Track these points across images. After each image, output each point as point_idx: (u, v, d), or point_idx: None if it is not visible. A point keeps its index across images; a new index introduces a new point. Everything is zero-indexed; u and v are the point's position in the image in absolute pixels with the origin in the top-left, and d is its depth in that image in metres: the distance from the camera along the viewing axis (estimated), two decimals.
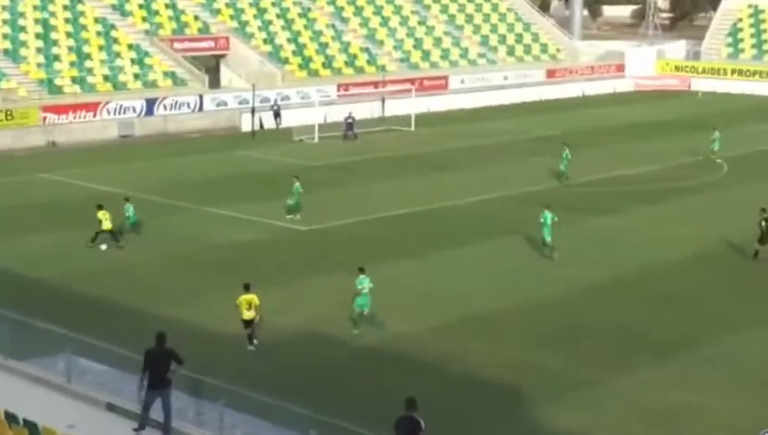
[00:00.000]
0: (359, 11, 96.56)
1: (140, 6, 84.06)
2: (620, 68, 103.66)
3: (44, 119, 67.70)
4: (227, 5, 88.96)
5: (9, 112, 66.49)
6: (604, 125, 74.96)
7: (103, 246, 40.95)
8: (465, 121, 76.51)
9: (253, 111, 72.57)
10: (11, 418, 21.83)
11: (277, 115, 74.15)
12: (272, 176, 55.49)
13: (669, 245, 42.04)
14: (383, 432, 21.15)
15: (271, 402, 23.83)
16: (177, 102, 73.71)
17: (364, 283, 32.38)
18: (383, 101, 79.16)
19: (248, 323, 30.55)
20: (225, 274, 37.74)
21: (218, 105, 75.91)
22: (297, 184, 46.74)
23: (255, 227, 44.74)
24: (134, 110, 71.51)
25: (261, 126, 72.87)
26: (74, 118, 68.89)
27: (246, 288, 30.63)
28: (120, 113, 70.76)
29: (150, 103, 72.33)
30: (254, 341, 30.64)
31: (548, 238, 40.21)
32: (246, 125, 72.44)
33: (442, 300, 34.98)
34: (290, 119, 73.08)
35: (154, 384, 23.87)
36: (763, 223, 39.47)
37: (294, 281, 36.86)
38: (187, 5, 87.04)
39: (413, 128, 72.67)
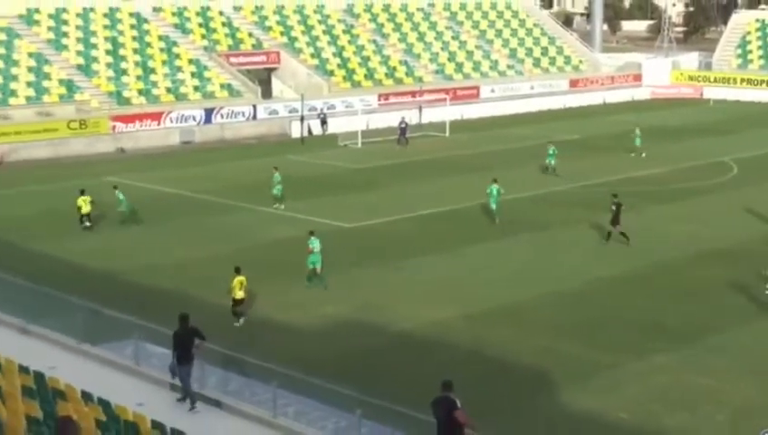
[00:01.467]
0: (398, 27, 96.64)
1: (200, 25, 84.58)
2: (638, 78, 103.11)
3: (114, 127, 68.26)
4: (278, 23, 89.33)
5: (82, 122, 67.13)
6: (623, 130, 74.49)
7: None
8: (496, 127, 76.43)
9: (302, 119, 72.83)
10: (87, 396, 22.12)
11: (324, 123, 74.38)
12: (320, 178, 55.70)
13: (683, 241, 41.79)
14: (422, 411, 21.28)
15: (319, 384, 24.03)
16: (233, 112, 74.09)
17: (315, 243, 35.30)
18: (420, 109, 79.19)
19: (238, 302, 31.56)
20: (276, 268, 37.98)
21: (270, 114, 76.23)
22: (276, 174, 48.34)
23: (304, 224, 44.84)
24: (194, 118, 71.96)
25: (309, 132, 73.15)
26: (140, 126, 69.43)
27: (237, 271, 31.63)
28: (181, 122, 71.23)
29: (209, 113, 72.74)
30: (241, 320, 31.47)
31: (493, 207, 44.96)
32: (296, 132, 72.72)
33: (473, 291, 35.02)
34: (335, 126, 73.35)
35: (182, 360, 24.71)
36: (614, 207, 41.04)
37: (339, 273, 36.95)
38: (242, 23, 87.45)
39: (447, 134, 72.69)
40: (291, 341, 29.99)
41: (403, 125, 69.30)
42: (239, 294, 31.51)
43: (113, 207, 44.73)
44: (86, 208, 43.26)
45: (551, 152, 57.44)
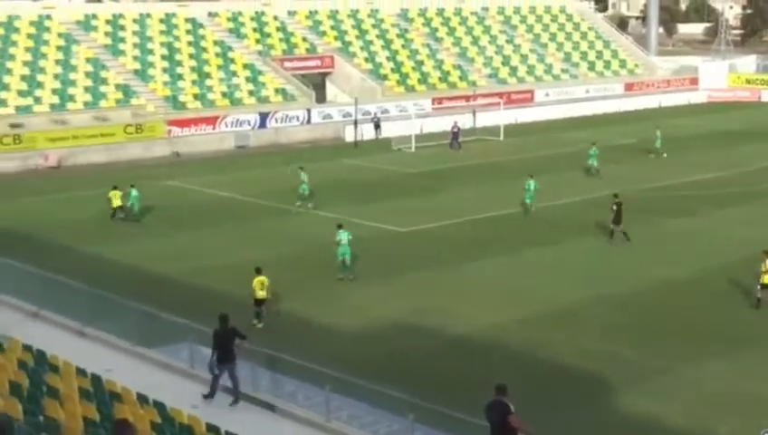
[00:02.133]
0: (451, 31, 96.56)
1: (254, 30, 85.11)
2: (694, 81, 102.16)
3: (169, 132, 68.82)
4: (332, 27, 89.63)
5: (138, 126, 67.76)
6: (680, 134, 73.87)
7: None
8: (550, 131, 76.02)
9: (355, 123, 72.97)
10: (142, 399, 22.28)
11: (377, 127, 74.46)
12: (373, 182, 55.77)
13: (743, 245, 41.18)
14: (476, 415, 21.18)
15: (372, 388, 23.99)
16: (287, 116, 74.40)
17: (342, 236, 36.62)
18: (474, 113, 79.01)
19: (259, 302, 31.72)
20: (330, 270, 38.04)
21: (324, 118, 76.43)
22: (303, 174, 49.58)
23: (358, 227, 44.85)
24: (249, 123, 72.35)
25: (363, 137, 73.25)
26: (196, 131, 69.93)
27: (258, 271, 31.84)
28: (236, 126, 71.65)
29: (263, 117, 73.09)
30: (262, 319, 31.65)
31: (528, 201, 47.23)
32: (350, 136, 72.88)
33: (526, 294, 34.86)
34: (389, 130, 73.40)
35: (222, 359, 25.04)
36: (615, 206, 41.72)
37: (392, 276, 37.00)
38: (296, 28, 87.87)
39: (502, 138, 72.46)
40: (345, 344, 30.01)
41: (456, 129, 69.23)
42: (260, 295, 31.65)
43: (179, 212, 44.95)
44: (116, 202, 46.31)
45: (592, 153, 57.77)
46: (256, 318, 31.70)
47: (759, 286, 32.99)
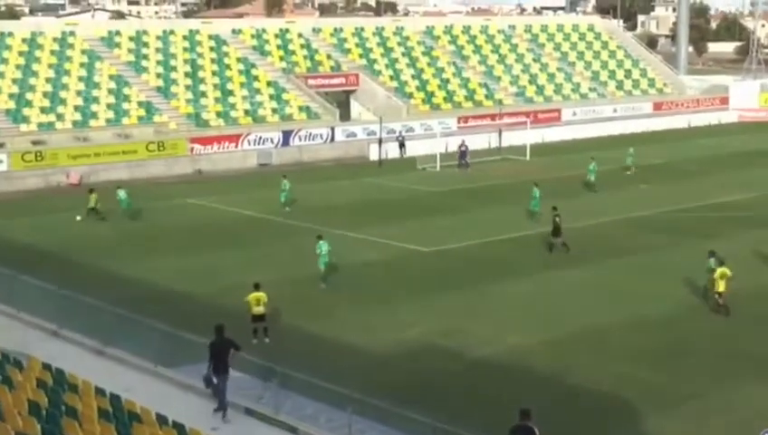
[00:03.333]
0: (478, 49, 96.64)
1: (278, 47, 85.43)
2: (724, 101, 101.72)
3: (192, 149, 69.09)
4: (357, 45, 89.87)
5: (161, 144, 68.06)
6: (710, 154, 73.64)
7: (78, 217, 50.06)
8: (577, 151, 75.74)
9: (380, 142, 73.03)
10: (161, 419, 22.27)
11: (402, 145, 74.48)
12: (397, 201, 55.74)
13: None
14: None
15: (395, 410, 23.93)
16: (310, 134, 74.54)
17: (323, 247, 38.27)
18: (500, 132, 78.92)
19: (257, 319, 31.82)
20: (354, 290, 38.09)
21: (348, 136, 76.53)
22: (285, 181, 53.40)
23: (382, 248, 44.94)
24: (272, 141, 72.53)
25: (387, 156, 73.25)
26: (218, 148, 70.17)
27: (256, 287, 32.06)
28: (259, 144, 71.84)
29: (287, 135, 73.27)
30: (266, 337, 31.79)
31: (536, 209, 49.50)
32: (374, 155, 72.92)
33: (552, 316, 34.73)
34: (414, 149, 73.38)
35: (218, 369, 25.57)
36: (556, 218, 43.13)
37: (416, 298, 36.93)
38: (321, 45, 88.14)
39: (528, 157, 72.34)
40: (368, 365, 29.95)
41: (463, 148, 69.12)
42: (256, 311, 31.75)
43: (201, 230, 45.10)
44: (92, 204, 50.29)
45: (591, 168, 58.83)
46: (254, 335, 31.72)
47: (713, 294, 34.63)
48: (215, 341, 26.07)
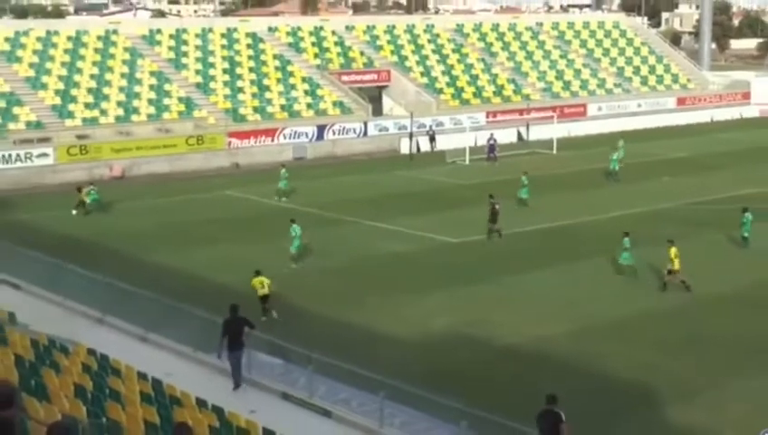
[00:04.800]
0: (506, 46, 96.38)
1: (313, 44, 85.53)
2: (746, 96, 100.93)
3: (229, 143, 69.35)
4: (389, 42, 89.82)
5: (200, 138, 68.37)
6: (732, 148, 73.20)
7: (74, 211, 50.48)
8: (603, 145, 75.38)
9: (411, 136, 73.02)
10: (201, 403, 22.47)
11: (432, 139, 74.45)
12: (427, 194, 55.78)
13: None
14: (527, 424, 21.15)
15: (426, 396, 24.05)
16: (344, 128, 74.61)
17: (296, 230, 39.71)
18: (527, 126, 78.79)
19: (264, 299, 33.08)
20: (385, 281, 38.20)
21: (380, 131, 76.52)
22: (283, 170, 54.34)
23: (413, 239, 45.02)
24: (307, 135, 72.67)
25: (418, 149, 73.30)
26: (255, 142, 70.40)
27: (257, 273, 33.57)
28: (294, 138, 71.99)
29: (321, 129, 73.37)
30: (273, 313, 32.92)
31: (524, 197, 51.36)
32: (405, 148, 72.93)
33: (576, 306, 34.72)
34: (443, 143, 73.31)
35: (232, 346, 26.28)
36: (496, 206, 44.58)
37: (445, 287, 37.00)
38: (354, 42, 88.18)
39: (555, 151, 72.13)
40: (399, 352, 30.08)
41: (492, 141, 69.03)
42: (261, 292, 33.12)
43: (239, 221, 45.34)
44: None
45: (614, 157, 59.64)
46: (264, 313, 32.74)
47: (666, 271, 36.36)
48: (229, 319, 26.92)
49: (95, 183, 53.93)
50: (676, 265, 36.05)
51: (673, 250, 36.24)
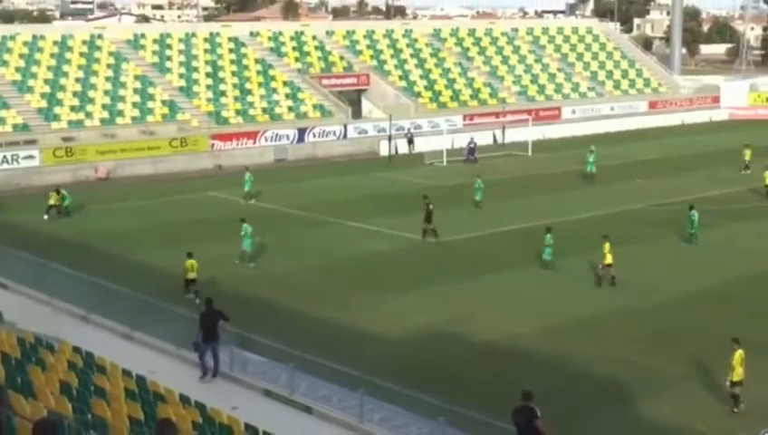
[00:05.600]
0: (482, 51, 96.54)
1: (294, 48, 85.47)
2: (716, 99, 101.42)
3: (212, 145, 69.23)
4: (368, 47, 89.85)
5: (183, 140, 68.23)
6: (702, 150, 73.55)
7: (45, 217, 49.28)
8: (577, 147, 75.54)
9: (390, 139, 73.05)
10: (184, 399, 22.42)
11: (411, 142, 74.48)
12: (405, 194, 55.74)
13: (761, 257, 41.08)
14: (503, 419, 21.18)
15: (404, 392, 24.06)
16: (324, 131, 74.58)
17: (247, 229, 40.00)
18: (503, 129, 78.93)
19: (190, 282, 35.15)
20: (365, 280, 38.20)
21: (360, 133, 76.55)
22: (248, 174, 54.30)
23: (391, 239, 45.03)
24: (288, 137, 72.61)
25: (396, 151, 73.31)
26: (237, 144, 70.30)
27: (189, 256, 35.38)
28: (275, 141, 71.93)
29: (302, 132, 73.33)
30: (197, 297, 33.98)
31: (477, 198, 51.36)
32: (384, 150, 72.95)
33: (552, 304, 34.80)
34: (422, 145, 73.36)
35: (207, 338, 26.92)
36: (429, 206, 44.49)
37: (423, 286, 37.04)
38: (334, 47, 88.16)
39: (530, 153, 72.30)
40: (378, 350, 30.07)
41: (472, 144, 69.18)
42: (190, 275, 35.17)
43: (221, 221, 45.30)
44: (51, 201, 50.04)
45: (591, 160, 60.01)
46: (191, 293, 34.87)
47: (600, 266, 37.04)
48: (204, 311, 27.52)
49: (65, 186, 52.96)
50: (609, 260, 36.69)
51: (606, 245, 36.84)
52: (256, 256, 40.76)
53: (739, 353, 25.48)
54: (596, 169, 59.70)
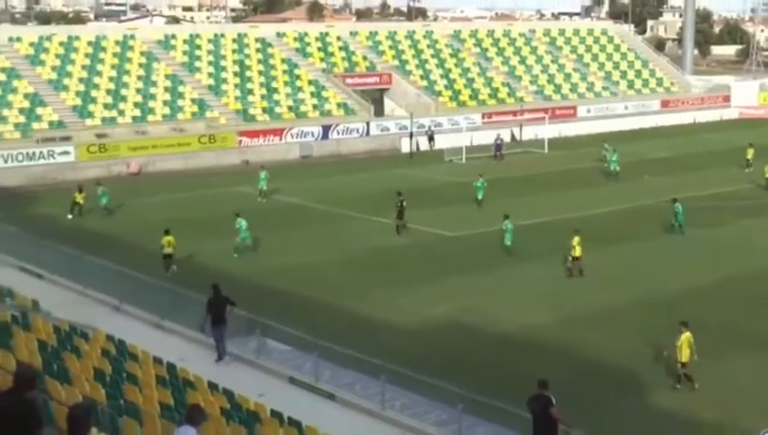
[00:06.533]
0: (501, 51, 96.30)
1: (319, 49, 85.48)
2: (727, 99, 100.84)
3: (240, 142, 69.36)
4: (390, 47, 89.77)
5: (212, 137, 68.37)
6: (712, 148, 73.16)
7: (69, 216, 48.44)
8: (591, 145, 75.39)
9: (411, 136, 73.00)
10: (213, 386, 22.51)
11: (431, 139, 74.40)
12: (425, 190, 55.72)
13: (766, 253, 40.87)
14: (519, 407, 21.16)
15: (424, 380, 24.08)
16: (347, 128, 74.60)
17: (241, 223, 40.35)
18: (521, 127, 78.73)
19: (168, 256, 37.24)
20: (384, 272, 38.24)
21: (382, 131, 76.51)
22: (263, 173, 53.56)
23: (412, 233, 44.96)
24: (312, 134, 72.66)
25: (417, 148, 73.27)
26: (264, 141, 70.40)
27: (167, 232, 37.56)
28: (301, 137, 72.00)
29: (326, 129, 73.37)
30: (174, 268, 36.94)
31: (479, 198, 50.38)
32: (405, 147, 72.92)
33: (566, 297, 34.71)
34: (442, 142, 73.25)
35: (215, 322, 27.30)
36: (403, 202, 44.60)
37: (441, 278, 37.01)
38: (358, 47, 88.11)
39: (546, 150, 72.11)
40: (399, 340, 30.08)
41: (499, 141, 69.09)
42: (167, 250, 37.10)
43: (247, 216, 45.28)
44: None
45: (614, 159, 59.69)
46: (169, 267, 36.92)
47: (570, 259, 36.91)
48: (212, 297, 27.72)
49: (103, 183, 51.92)
50: (578, 253, 36.64)
51: (576, 239, 36.74)
52: (251, 248, 41.03)
53: (686, 336, 26.02)
54: (618, 168, 59.37)
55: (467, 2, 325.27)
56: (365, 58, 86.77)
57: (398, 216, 44.72)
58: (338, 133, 73.96)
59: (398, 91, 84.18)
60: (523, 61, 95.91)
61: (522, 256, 40.32)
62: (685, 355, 25.87)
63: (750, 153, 62.69)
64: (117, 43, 77.17)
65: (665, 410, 24.81)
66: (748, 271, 38.00)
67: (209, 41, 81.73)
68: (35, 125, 65.06)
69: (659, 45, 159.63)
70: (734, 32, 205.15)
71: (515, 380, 25.24)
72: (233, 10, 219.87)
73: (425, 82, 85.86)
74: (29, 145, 62.33)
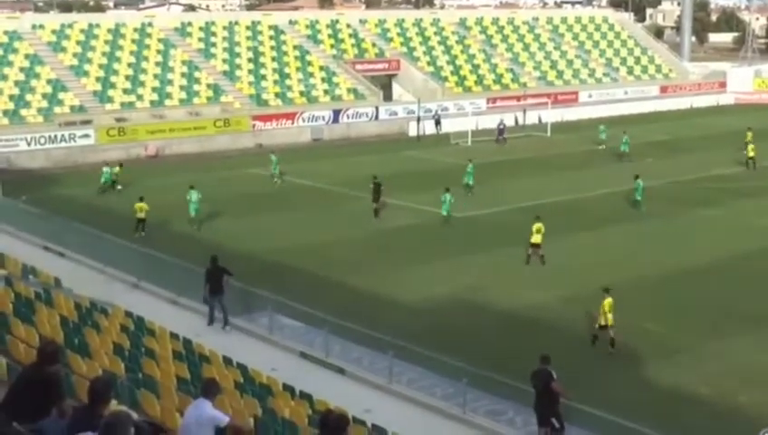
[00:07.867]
0: (505, 38, 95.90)
1: (329, 36, 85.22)
2: (723, 85, 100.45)
3: (253, 126, 69.26)
4: (398, 34, 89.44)
5: (226, 121, 68.29)
6: (709, 132, 72.87)
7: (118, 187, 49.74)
8: (593, 129, 75.11)
9: (418, 120, 72.83)
10: (227, 361, 22.52)
11: (438, 123, 74.21)
12: (432, 172, 55.62)
13: (762, 233, 40.70)
14: (522, 381, 21.14)
15: (430, 355, 24.07)
16: (357, 113, 74.45)
17: (193, 195, 41.19)
18: (524, 111, 78.48)
19: (140, 221, 39.49)
20: (393, 251, 38.18)
21: (390, 115, 76.37)
22: (274, 157, 53.20)
23: (418, 213, 44.91)
24: (323, 118, 72.52)
25: (425, 132, 73.07)
26: (276, 125, 70.29)
27: (141, 199, 39.77)
28: (312, 121, 71.87)
29: (336, 113, 73.23)
30: (143, 231, 39.08)
31: (470, 182, 48.47)
32: (413, 131, 72.75)
33: (567, 275, 34.65)
34: (448, 126, 73.07)
35: (213, 291, 28.01)
36: (371, 186, 44.14)
37: (447, 257, 36.95)
38: (367, 35, 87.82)
39: (549, 134, 71.91)
40: (405, 316, 30.05)
41: (501, 126, 68.86)
42: (140, 215, 39.45)
43: (260, 196, 45.23)
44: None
45: (625, 141, 59.16)
46: (140, 231, 39.11)
47: (530, 246, 36.15)
48: (210, 268, 28.34)
49: (123, 162, 53.95)
50: (537, 240, 35.96)
51: (536, 226, 36.07)
52: (202, 220, 41.89)
53: (608, 301, 26.60)
54: (628, 149, 59.19)
55: None
56: (374, 45, 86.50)
57: (374, 199, 44.18)
58: (348, 117, 73.80)
59: (406, 76, 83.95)
60: (526, 48, 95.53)
61: (525, 237, 40.16)
62: (608, 319, 26.54)
63: (749, 136, 62.33)
64: (135, 30, 76.99)
65: (661, 384, 24.76)
66: (746, 250, 37.86)
67: (224, 28, 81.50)
68: (57, 109, 64.99)
69: (658, 33, 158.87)
70: (730, 20, 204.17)
71: (518, 355, 25.22)
72: None
73: (432, 68, 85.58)
74: (51, 129, 62.28)
